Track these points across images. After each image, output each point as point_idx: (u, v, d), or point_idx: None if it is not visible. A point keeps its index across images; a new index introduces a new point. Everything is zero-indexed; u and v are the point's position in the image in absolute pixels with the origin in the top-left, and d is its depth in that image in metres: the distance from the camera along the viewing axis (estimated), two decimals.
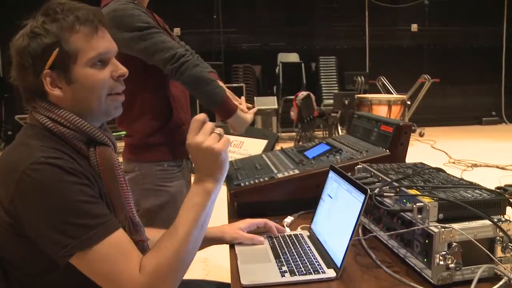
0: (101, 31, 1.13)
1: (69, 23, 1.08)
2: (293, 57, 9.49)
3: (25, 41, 1.08)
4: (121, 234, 1.07)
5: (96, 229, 1.01)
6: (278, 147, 2.26)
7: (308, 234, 1.42)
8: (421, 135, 8.52)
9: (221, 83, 1.97)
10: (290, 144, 2.57)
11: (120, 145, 1.71)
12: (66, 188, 1.01)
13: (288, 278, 1.15)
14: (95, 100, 1.14)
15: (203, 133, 1.09)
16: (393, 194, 1.25)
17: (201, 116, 1.10)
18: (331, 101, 7.85)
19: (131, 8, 1.82)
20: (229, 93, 2.02)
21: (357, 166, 1.55)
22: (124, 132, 2.05)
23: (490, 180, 4.88)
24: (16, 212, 1.02)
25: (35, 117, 1.12)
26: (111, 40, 1.17)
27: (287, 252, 1.29)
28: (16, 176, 1.01)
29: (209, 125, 1.10)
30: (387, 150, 1.71)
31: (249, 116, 2.03)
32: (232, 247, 1.37)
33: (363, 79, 8.44)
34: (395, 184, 1.30)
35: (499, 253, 1.11)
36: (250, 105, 2.14)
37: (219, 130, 1.12)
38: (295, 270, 1.18)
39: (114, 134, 1.23)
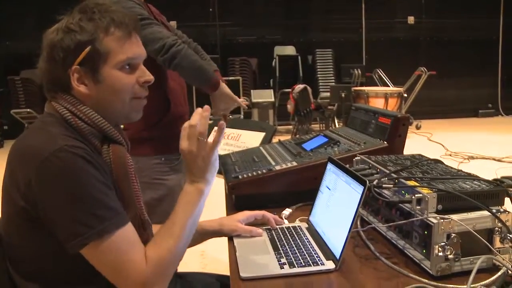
0: (134, 36, 1.16)
1: (105, 24, 1.11)
2: (290, 50, 9.45)
3: (59, 35, 1.10)
4: (131, 227, 1.10)
5: (110, 220, 1.03)
6: (275, 139, 2.26)
7: (307, 226, 1.42)
8: (417, 127, 8.52)
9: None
10: (287, 137, 2.57)
11: None
12: (87, 178, 1.03)
13: (287, 270, 1.15)
14: (118, 102, 1.16)
15: (192, 140, 1.14)
16: (391, 185, 1.25)
17: (193, 121, 1.14)
18: (328, 94, 7.83)
19: (125, 1, 1.81)
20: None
21: (355, 158, 1.55)
22: (121, 126, 2.04)
23: (487, 172, 4.89)
24: (32, 197, 1.03)
25: (54, 107, 1.14)
26: (141, 46, 1.20)
27: (285, 244, 1.29)
28: (37, 161, 1.01)
29: (197, 131, 1.14)
30: (385, 142, 1.71)
31: (235, 98, 2.10)
32: (230, 239, 1.37)
33: (359, 71, 8.42)
34: (394, 175, 1.30)
35: (497, 243, 1.11)
36: (245, 99, 2.19)
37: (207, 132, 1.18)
38: (294, 262, 1.18)
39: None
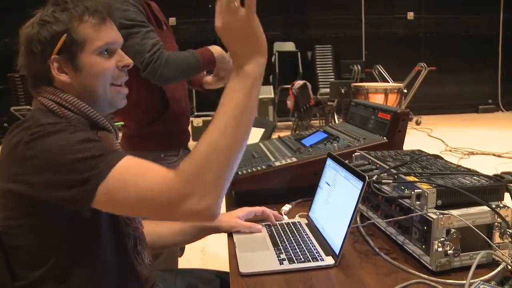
0: (108, 22, 1.17)
1: (79, 13, 1.12)
2: (289, 46, 9.44)
3: (35, 28, 1.11)
4: (133, 157, 1.04)
5: (111, 154, 1.01)
6: (275, 135, 2.26)
7: (306, 222, 1.42)
8: (417, 123, 8.52)
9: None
10: (287, 133, 2.57)
11: None
12: (72, 135, 1.02)
13: (286, 265, 1.15)
14: (100, 88, 1.17)
15: (224, 12, 1.00)
16: (391, 181, 1.25)
17: None
18: (328, 90, 7.82)
19: (121, 2, 1.79)
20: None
21: (355, 153, 1.54)
22: (121, 123, 2.05)
23: (487, 167, 4.89)
24: (26, 174, 1.01)
25: (40, 101, 1.14)
26: (117, 32, 1.20)
27: (285, 240, 1.29)
28: (23, 141, 1.01)
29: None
30: (385, 138, 1.71)
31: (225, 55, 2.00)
32: (230, 235, 1.37)
33: (359, 67, 8.41)
34: (393, 171, 1.30)
35: (497, 239, 1.11)
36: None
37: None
38: (294, 258, 1.18)
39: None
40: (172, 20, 8.62)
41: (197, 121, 6.83)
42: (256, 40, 1.03)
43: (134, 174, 0.99)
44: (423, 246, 1.12)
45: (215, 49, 1.94)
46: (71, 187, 0.98)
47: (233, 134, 0.98)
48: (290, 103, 7.03)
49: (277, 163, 1.64)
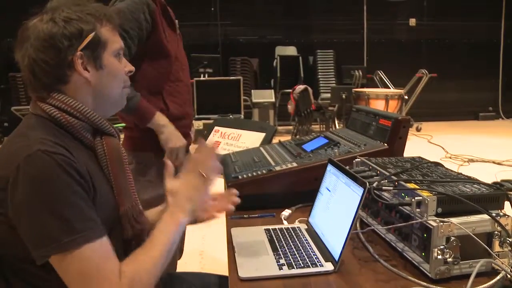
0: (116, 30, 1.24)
1: (100, 16, 1.17)
2: (291, 51, 9.46)
3: (60, 24, 1.12)
4: (104, 241, 1.06)
5: (79, 234, 1.00)
6: (275, 140, 2.26)
7: (306, 227, 1.42)
8: (418, 130, 8.52)
9: None
10: (287, 138, 2.57)
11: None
12: (59, 186, 1.00)
13: (286, 271, 1.15)
14: (116, 88, 1.23)
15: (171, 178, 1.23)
16: (391, 187, 1.25)
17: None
18: (329, 95, 7.85)
19: (131, 4, 1.81)
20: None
21: (355, 159, 1.54)
22: (123, 124, 2.05)
23: (487, 175, 4.89)
24: (6, 202, 1.01)
25: (40, 107, 1.13)
26: None
27: (285, 245, 1.29)
28: (11, 167, 1.00)
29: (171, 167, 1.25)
30: (386, 144, 1.71)
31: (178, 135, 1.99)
32: (229, 240, 1.37)
33: (360, 73, 8.43)
34: (394, 177, 1.30)
35: (497, 247, 1.11)
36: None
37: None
38: (293, 263, 1.18)
39: (114, 125, 1.25)
40: None
41: (198, 124, 6.84)
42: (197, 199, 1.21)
43: (84, 269, 1.01)
44: (423, 254, 1.12)
45: (161, 118, 1.96)
46: (30, 241, 1.01)
47: (164, 262, 1.12)
48: (291, 107, 7.04)
49: (278, 168, 1.64)
